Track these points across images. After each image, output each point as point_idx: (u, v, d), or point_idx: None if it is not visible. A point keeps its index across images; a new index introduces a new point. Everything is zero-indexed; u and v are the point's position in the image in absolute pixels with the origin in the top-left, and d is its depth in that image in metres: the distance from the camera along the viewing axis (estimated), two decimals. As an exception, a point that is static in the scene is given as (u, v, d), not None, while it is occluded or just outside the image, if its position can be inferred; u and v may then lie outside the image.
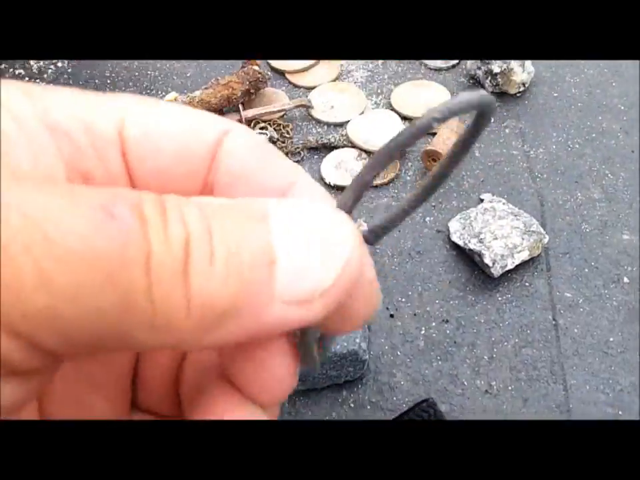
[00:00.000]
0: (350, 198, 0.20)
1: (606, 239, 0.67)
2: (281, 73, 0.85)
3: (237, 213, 0.18)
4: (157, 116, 0.21)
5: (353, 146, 0.75)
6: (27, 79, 0.83)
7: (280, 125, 0.78)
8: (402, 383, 0.57)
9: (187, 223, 0.17)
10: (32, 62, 0.85)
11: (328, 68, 0.84)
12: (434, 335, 0.60)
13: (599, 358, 0.58)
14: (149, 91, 0.82)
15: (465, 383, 0.57)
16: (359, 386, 0.57)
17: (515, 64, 0.78)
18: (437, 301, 0.62)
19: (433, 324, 0.60)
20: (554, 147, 0.76)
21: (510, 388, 0.56)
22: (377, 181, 0.71)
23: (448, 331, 0.60)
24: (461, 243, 0.64)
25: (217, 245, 0.17)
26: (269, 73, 0.80)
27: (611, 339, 0.59)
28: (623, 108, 0.79)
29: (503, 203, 0.67)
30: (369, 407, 0.56)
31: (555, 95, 0.81)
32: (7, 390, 0.17)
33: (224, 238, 0.17)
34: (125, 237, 0.16)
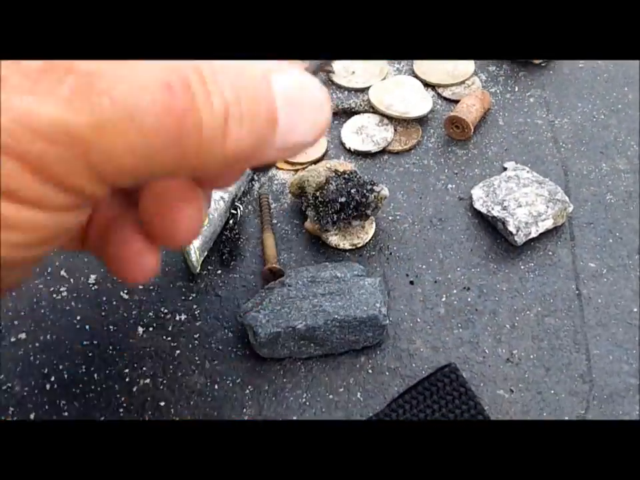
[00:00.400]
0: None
1: (631, 210, 0.65)
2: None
3: (250, 81, 0.26)
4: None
5: (374, 111, 0.73)
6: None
7: (300, 89, 0.76)
8: (421, 349, 0.56)
9: (223, 94, 0.25)
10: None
11: (349, 33, 0.83)
12: (455, 302, 0.59)
13: (622, 328, 0.57)
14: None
15: (486, 351, 0.56)
16: (378, 352, 0.56)
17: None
18: (459, 269, 0.61)
19: (454, 291, 0.59)
20: (579, 117, 0.75)
21: (532, 357, 0.55)
22: (399, 147, 0.70)
23: (469, 299, 0.59)
24: (483, 210, 0.63)
25: (244, 112, 0.25)
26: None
27: (635, 310, 0.58)
28: (650, 79, 0.78)
29: (527, 171, 0.65)
30: (387, 373, 0.55)
31: (581, 65, 0.80)
32: (82, 214, 0.27)
33: (248, 106, 0.25)
34: (182, 112, 0.23)
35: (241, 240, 0.63)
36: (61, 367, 0.55)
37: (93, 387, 0.54)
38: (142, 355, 0.56)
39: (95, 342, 0.57)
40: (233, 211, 0.64)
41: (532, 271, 0.61)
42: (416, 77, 0.77)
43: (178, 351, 0.56)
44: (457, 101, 0.75)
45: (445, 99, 0.76)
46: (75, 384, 0.54)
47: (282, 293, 0.56)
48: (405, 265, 0.61)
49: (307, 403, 0.53)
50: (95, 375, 0.55)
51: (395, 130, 0.72)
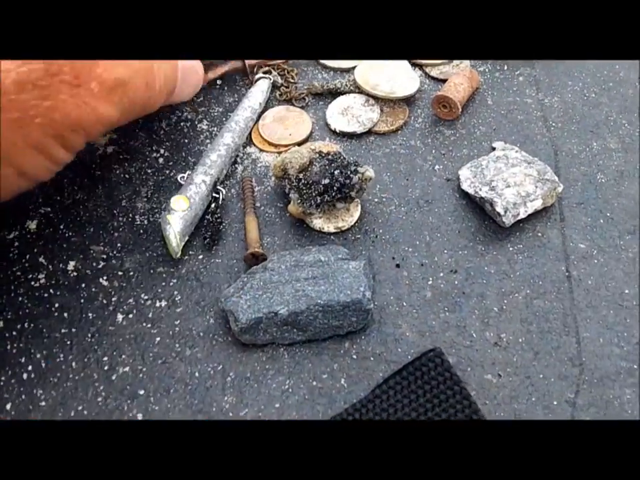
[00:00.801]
0: None
1: (622, 190, 0.64)
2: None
3: (170, 70, 0.59)
4: None
5: (360, 92, 0.72)
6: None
7: (284, 69, 0.75)
8: (407, 334, 0.55)
9: (161, 82, 0.57)
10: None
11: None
12: (441, 285, 0.57)
13: (613, 310, 0.56)
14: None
15: (474, 335, 0.54)
16: (362, 337, 0.55)
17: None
18: (446, 251, 0.60)
19: (441, 274, 0.58)
20: (569, 95, 0.73)
21: (520, 340, 0.54)
22: (385, 128, 0.69)
23: (456, 282, 0.58)
24: (471, 191, 0.61)
25: (165, 85, 0.57)
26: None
27: (626, 291, 0.57)
28: (642, 56, 0.76)
29: (516, 151, 0.64)
30: (372, 359, 0.53)
31: (571, 42, 0.78)
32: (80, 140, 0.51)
33: (167, 83, 0.57)
34: (150, 96, 0.55)
35: (223, 224, 0.62)
36: (38, 355, 0.54)
37: (70, 376, 0.53)
38: (121, 343, 0.54)
39: (74, 330, 0.55)
40: (215, 195, 0.63)
41: (520, 253, 0.59)
42: (403, 56, 0.76)
43: (158, 338, 0.55)
44: (444, 80, 0.73)
45: (433, 78, 0.75)
46: (53, 373, 0.53)
47: (264, 277, 0.55)
48: (391, 248, 0.60)
49: (290, 390, 0.52)
50: (73, 364, 0.53)
51: (381, 110, 0.71)
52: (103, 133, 0.54)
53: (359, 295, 0.53)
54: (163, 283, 0.58)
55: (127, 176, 0.65)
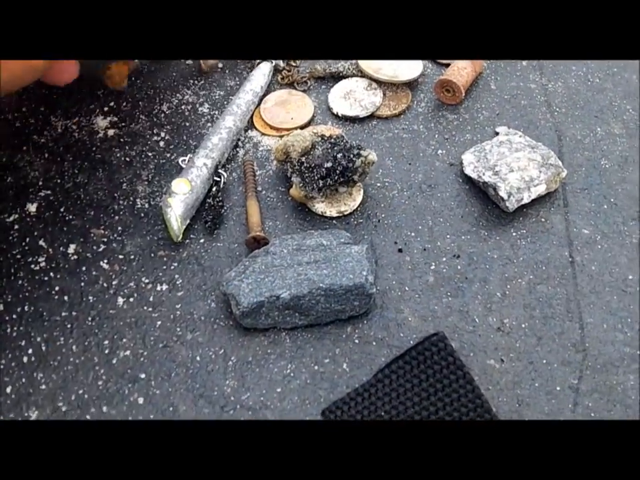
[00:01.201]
0: None
1: (626, 175, 0.64)
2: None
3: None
4: None
5: (363, 75, 0.71)
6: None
7: (286, 53, 0.74)
8: (409, 319, 0.54)
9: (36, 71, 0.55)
10: None
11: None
12: (444, 270, 0.57)
13: (617, 296, 0.55)
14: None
15: (477, 320, 0.54)
16: (365, 322, 0.54)
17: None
18: (448, 236, 0.59)
19: (444, 259, 0.58)
20: (573, 80, 0.72)
21: (523, 326, 0.54)
22: (388, 112, 0.68)
23: (459, 267, 0.57)
24: (474, 175, 0.61)
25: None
26: None
27: (630, 277, 0.56)
28: (647, 41, 0.75)
29: (520, 136, 0.63)
30: (374, 343, 0.53)
31: (576, 27, 0.77)
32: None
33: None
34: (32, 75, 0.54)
35: (225, 208, 0.61)
36: (38, 339, 0.54)
37: (71, 360, 0.53)
38: (122, 326, 0.54)
39: (74, 313, 0.55)
40: (216, 178, 0.62)
41: (524, 238, 0.59)
42: (406, 39, 0.75)
43: (159, 322, 0.54)
44: (448, 65, 0.72)
45: (436, 62, 0.74)
46: (53, 356, 0.53)
47: (266, 261, 0.55)
48: (394, 233, 0.60)
49: (292, 374, 0.52)
50: (74, 347, 0.53)
51: (384, 94, 0.70)
52: None
53: (361, 278, 0.53)
54: (164, 267, 0.57)
55: (127, 159, 0.65)
